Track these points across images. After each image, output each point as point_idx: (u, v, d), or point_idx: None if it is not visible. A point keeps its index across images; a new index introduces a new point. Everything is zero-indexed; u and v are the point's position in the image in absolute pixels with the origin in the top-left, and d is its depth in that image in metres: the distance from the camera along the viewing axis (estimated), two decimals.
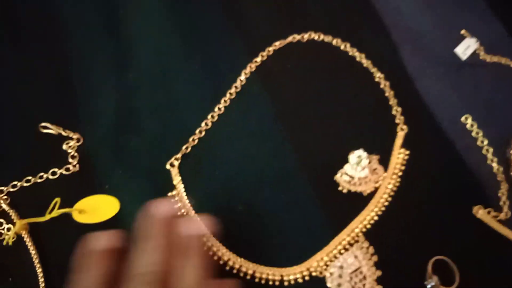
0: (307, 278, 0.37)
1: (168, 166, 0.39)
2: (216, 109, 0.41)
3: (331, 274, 0.37)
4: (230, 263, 0.37)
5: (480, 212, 0.40)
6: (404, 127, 0.42)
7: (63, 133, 0.40)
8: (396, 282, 0.37)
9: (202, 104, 0.41)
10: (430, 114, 0.42)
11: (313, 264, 0.37)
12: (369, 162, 0.40)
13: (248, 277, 0.36)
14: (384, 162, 0.41)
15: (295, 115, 0.42)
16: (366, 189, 0.40)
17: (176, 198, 0.38)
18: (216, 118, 0.41)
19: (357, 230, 0.38)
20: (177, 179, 0.39)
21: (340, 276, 0.37)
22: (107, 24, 0.44)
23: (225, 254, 0.37)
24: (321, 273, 0.37)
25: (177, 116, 0.41)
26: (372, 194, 0.40)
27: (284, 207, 0.39)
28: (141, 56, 0.43)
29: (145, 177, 0.39)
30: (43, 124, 0.40)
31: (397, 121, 0.42)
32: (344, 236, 0.38)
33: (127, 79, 0.42)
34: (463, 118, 0.42)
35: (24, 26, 0.45)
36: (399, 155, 0.41)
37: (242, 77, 0.42)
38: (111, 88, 0.42)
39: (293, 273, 0.37)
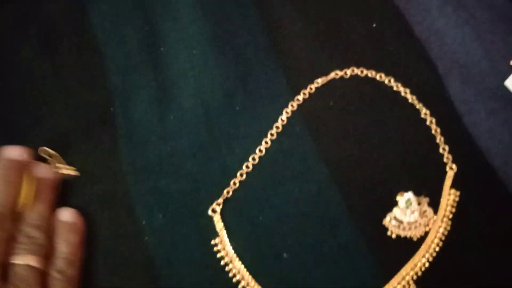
0: None
1: (210, 212, 0.38)
2: (257, 150, 0.40)
3: None
4: None
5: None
6: (454, 166, 0.40)
7: None
8: None
9: (243, 145, 0.40)
10: (480, 152, 0.40)
11: None
12: (419, 205, 0.38)
13: None
14: (434, 204, 0.39)
15: (339, 155, 0.40)
16: (416, 233, 0.38)
17: (220, 246, 0.37)
18: (257, 160, 0.40)
19: (408, 278, 0.37)
20: (219, 226, 0.38)
21: None
22: (149, 60, 0.43)
23: None
24: None
25: (218, 159, 0.40)
26: (422, 239, 0.38)
27: (331, 254, 0.37)
28: (183, 95, 0.42)
29: (187, 222, 0.38)
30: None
31: (445, 160, 0.40)
32: (395, 284, 0.36)
33: (168, 119, 0.41)
34: None
35: (65, 58, 0.44)
36: (449, 196, 0.39)
37: (284, 116, 0.41)
38: (152, 129, 0.41)
39: None
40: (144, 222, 0.38)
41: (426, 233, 0.38)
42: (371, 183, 0.39)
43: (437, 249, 0.38)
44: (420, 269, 0.37)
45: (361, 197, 0.39)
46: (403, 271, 0.37)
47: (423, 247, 0.38)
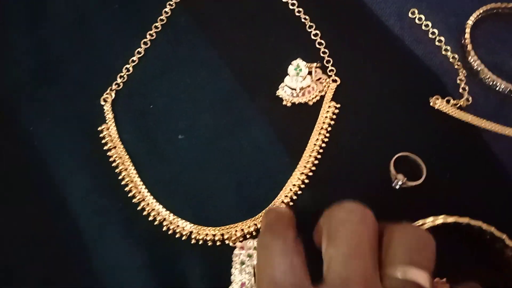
0: None
1: (102, 102, 0.37)
2: (141, 44, 0.39)
3: None
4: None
5: (439, 102, 0.36)
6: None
7: None
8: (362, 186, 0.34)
9: (126, 42, 0.39)
10: (371, 10, 0.39)
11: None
12: (310, 71, 0.37)
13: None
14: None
15: (227, 39, 0.39)
16: (309, 98, 0.37)
17: (105, 133, 0.36)
18: (143, 53, 0.39)
19: (316, 147, 0.35)
20: (109, 115, 0.37)
21: None
22: None
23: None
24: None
25: (100, 58, 0.39)
26: (318, 103, 0.37)
27: (230, 129, 0.36)
28: (54, 4, 0.41)
29: (74, 119, 0.37)
30: None
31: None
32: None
33: (44, 30, 0.40)
34: (409, 13, 0.39)
35: None
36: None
37: (167, 8, 0.40)
38: (24, 42, 0.40)
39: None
40: (31, 128, 0.37)
41: (322, 98, 0.37)
42: (260, 60, 0.38)
43: (335, 111, 0.36)
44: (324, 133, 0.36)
45: (252, 74, 0.38)
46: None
47: (322, 111, 0.37)
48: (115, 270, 0.32)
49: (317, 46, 0.38)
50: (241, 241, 0.33)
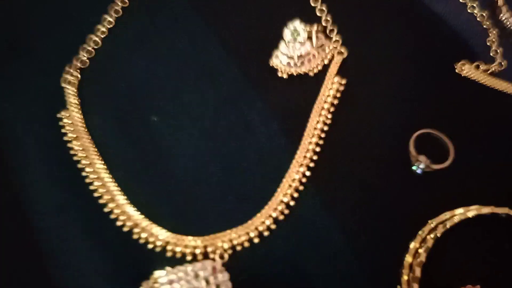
0: None
1: (63, 83, 0.31)
2: (112, 12, 0.33)
3: None
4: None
5: (466, 68, 0.30)
6: None
7: None
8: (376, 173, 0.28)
9: (94, 11, 0.33)
10: None
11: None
12: (310, 35, 0.31)
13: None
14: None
15: (213, 2, 0.33)
16: (310, 67, 0.31)
17: (66, 121, 0.30)
18: (113, 23, 0.33)
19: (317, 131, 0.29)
20: (71, 99, 0.31)
21: None
22: None
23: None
24: None
25: (63, 32, 0.33)
26: (321, 74, 0.31)
27: (214, 105, 0.31)
28: None
29: (34, 102, 0.31)
30: None
31: None
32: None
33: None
34: None
35: None
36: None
37: None
38: None
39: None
40: None
41: (326, 67, 0.31)
42: (250, 24, 0.33)
43: (343, 81, 0.31)
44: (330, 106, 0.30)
45: (241, 40, 0.32)
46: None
47: (326, 83, 0.31)
48: (75, 275, 0.27)
49: (319, 8, 0.33)
50: (230, 255, 0.27)
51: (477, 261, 0.26)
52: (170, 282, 0.24)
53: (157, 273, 0.24)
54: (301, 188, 0.28)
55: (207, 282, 0.24)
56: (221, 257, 0.26)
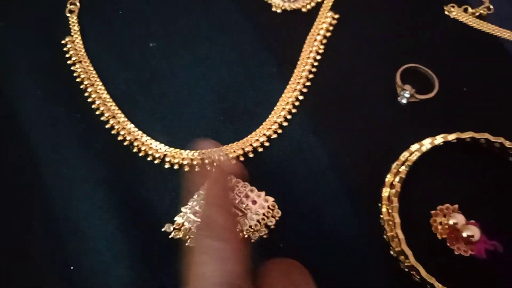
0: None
1: (67, 13, 0.32)
2: None
3: None
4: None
5: (455, 10, 0.31)
6: None
7: None
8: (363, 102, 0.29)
9: None
10: None
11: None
12: None
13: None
14: None
15: None
16: (304, 4, 0.32)
17: (69, 46, 0.31)
18: None
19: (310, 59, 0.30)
20: (75, 28, 0.32)
21: None
22: None
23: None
24: None
25: None
26: (314, 10, 0.32)
27: (205, 34, 0.31)
28: None
29: (36, 29, 0.32)
30: None
31: None
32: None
33: None
34: None
35: None
36: None
37: None
38: None
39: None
40: None
41: (319, 4, 0.32)
42: None
43: (334, 19, 0.31)
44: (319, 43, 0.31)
45: None
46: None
47: (318, 19, 0.31)
48: (69, 183, 0.27)
49: None
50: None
51: (454, 184, 0.27)
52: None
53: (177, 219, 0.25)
54: (294, 110, 0.29)
55: None
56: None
